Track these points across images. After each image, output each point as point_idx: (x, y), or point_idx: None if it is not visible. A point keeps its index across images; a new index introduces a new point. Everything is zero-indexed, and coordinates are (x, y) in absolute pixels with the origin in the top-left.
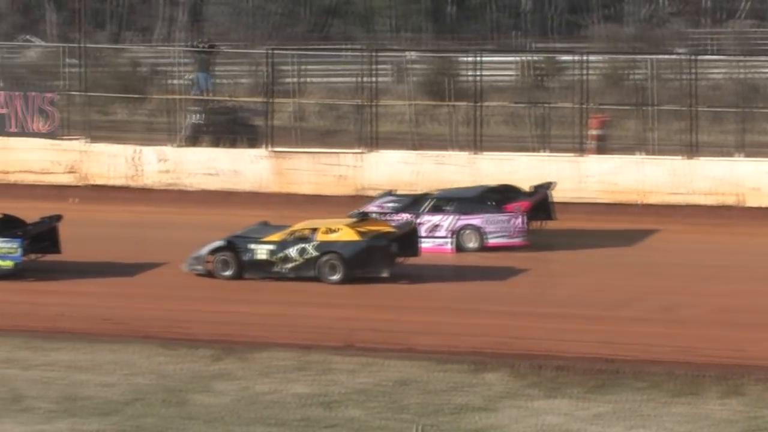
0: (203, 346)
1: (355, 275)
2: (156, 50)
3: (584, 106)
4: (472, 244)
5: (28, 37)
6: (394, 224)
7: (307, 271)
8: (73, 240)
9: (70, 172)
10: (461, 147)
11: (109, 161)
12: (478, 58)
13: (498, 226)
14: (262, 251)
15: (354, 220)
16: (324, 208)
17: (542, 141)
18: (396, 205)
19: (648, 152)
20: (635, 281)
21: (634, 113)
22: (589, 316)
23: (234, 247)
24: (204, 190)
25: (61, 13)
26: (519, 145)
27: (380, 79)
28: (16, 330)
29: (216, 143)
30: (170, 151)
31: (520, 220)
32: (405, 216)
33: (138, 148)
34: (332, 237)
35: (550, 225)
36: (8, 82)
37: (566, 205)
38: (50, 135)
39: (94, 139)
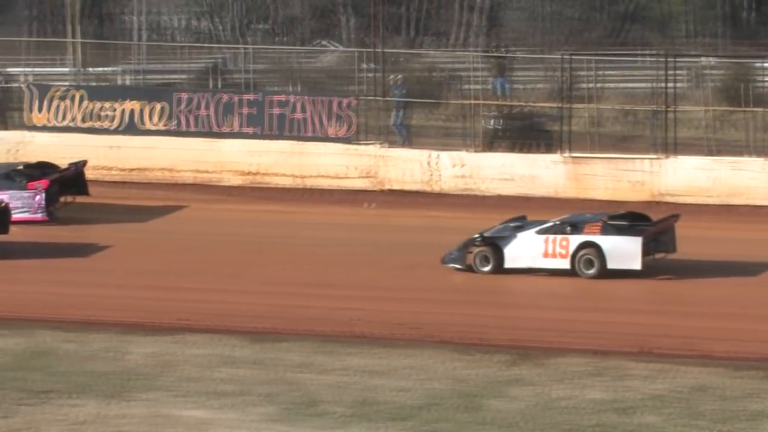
0: (498, 352)
1: None
2: (452, 55)
3: None
4: None
5: (324, 41)
6: None
7: None
8: (366, 245)
9: (365, 177)
10: (758, 153)
11: (405, 166)
12: None
13: (21, 202)
14: None
15: None
16: None
17: None
18: None
19: None
20: None
21: None
22: None
23: None
24: (499, 195)
25: (357, 18)
26: None
27: (677, 84)
28: (312, 335)
29: (511, 148)
30: (466, 156)
31: (40, 196)
32: None
33: (434, 153)
34: None
35: None
36: (305, 87)
37: None
38: (346, 140)
39: (390, 143)
